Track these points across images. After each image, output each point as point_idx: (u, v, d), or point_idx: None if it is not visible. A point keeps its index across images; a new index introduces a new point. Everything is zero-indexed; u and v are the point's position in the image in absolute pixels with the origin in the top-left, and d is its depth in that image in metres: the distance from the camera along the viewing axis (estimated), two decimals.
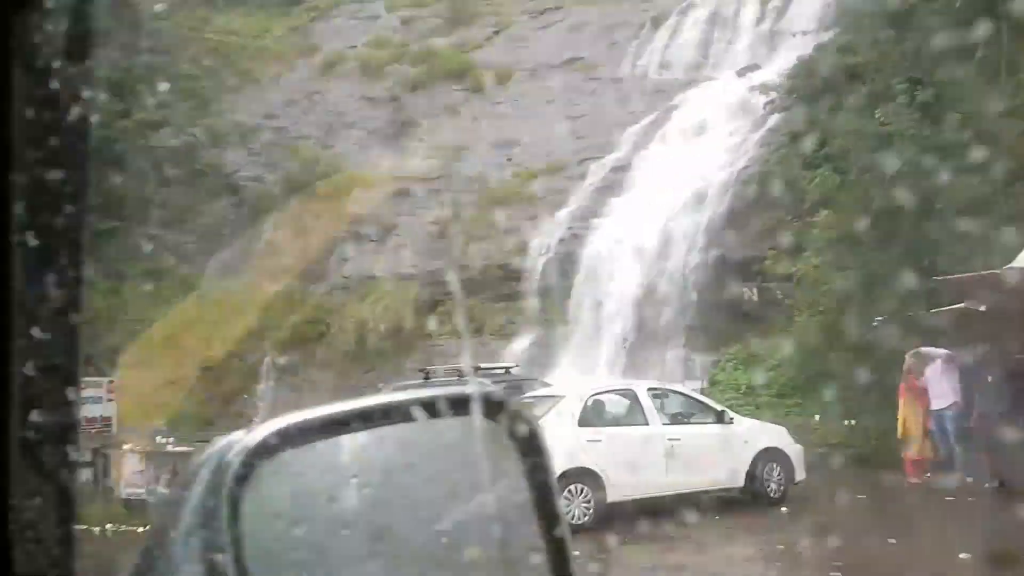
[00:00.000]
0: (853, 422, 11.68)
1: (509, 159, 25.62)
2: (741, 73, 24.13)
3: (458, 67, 30.52)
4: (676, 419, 10.85)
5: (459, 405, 1.57)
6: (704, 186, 19.16)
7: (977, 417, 10.79)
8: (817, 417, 11.56)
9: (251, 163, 28.98)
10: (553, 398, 11.02)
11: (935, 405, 11.33)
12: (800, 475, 11.07)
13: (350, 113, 30.21)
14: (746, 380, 13.45)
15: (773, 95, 19.36)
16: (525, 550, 1.54)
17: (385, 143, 28.84)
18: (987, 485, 10.24)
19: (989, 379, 10.58)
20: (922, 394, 11.42)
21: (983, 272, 9.80)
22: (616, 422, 10.82)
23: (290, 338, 23.87)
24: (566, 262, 20.89)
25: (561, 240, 21.27)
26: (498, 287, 22.25)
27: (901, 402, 11.37)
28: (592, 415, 10.66)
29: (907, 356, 11.14)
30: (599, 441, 10.29)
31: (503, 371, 14.19)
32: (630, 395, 10.98)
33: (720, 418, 10.96)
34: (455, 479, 1.59)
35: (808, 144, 15.99)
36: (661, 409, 10.74)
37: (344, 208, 26.51)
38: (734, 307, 18.08)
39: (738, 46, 26.38)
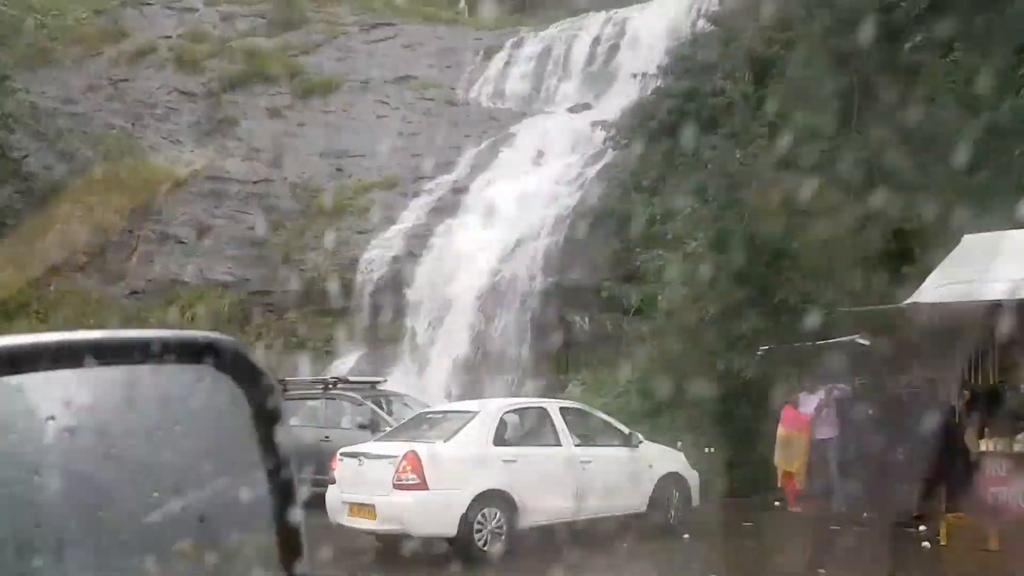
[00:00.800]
0: (712, 449, 12.01)
1: (339, 169, 24.73)
2: (574, 110, 24.80)
3: (284, 70, 29.25)
4: (586, 440, 10.48)
5: (187, 351, 1.45)
6: (543, 214, 19.34)
7: (856, 449, 11.36)
8: (680, 444, 11.75)
9: (44, 148, 26.15)
10: (462, 414, 10.42)
11: (819, 435, 11.83)
12: (696, 501, 11.01)
13: (161, 105, 28.11)
14: (597, 405, 13.51)
15: (613, 132, 20.00)
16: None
17: (200, 140, 27.06)
18: (865, 515, 10.71)
19: (870, 412, 11.19)
20: (804, 425, 11.89)
21: (872, 307, 10.41)
22: (529, 442, 10.23)
23: None
24: (399, 279, 20.33)
25: (395, 257, 20.69)
26: (324, 301, 21.25)
27: (780, 431, 11.79)
28: (506, 434, 10.04)
29: (822, 390, 11.45)
30: (514, 462, 9.73)
31: (369, 385, 13.44)
32: (542, 414, 10.53)
33: (628, 441, 10.69)
34: (175, 429, 1.46)
35: (650, 179, 16.60)
36: (572, 429, 10.45)
37: (151, 204, 24.52)
38: (569, 334, 18.30)
39: (569, 84, 27.09)
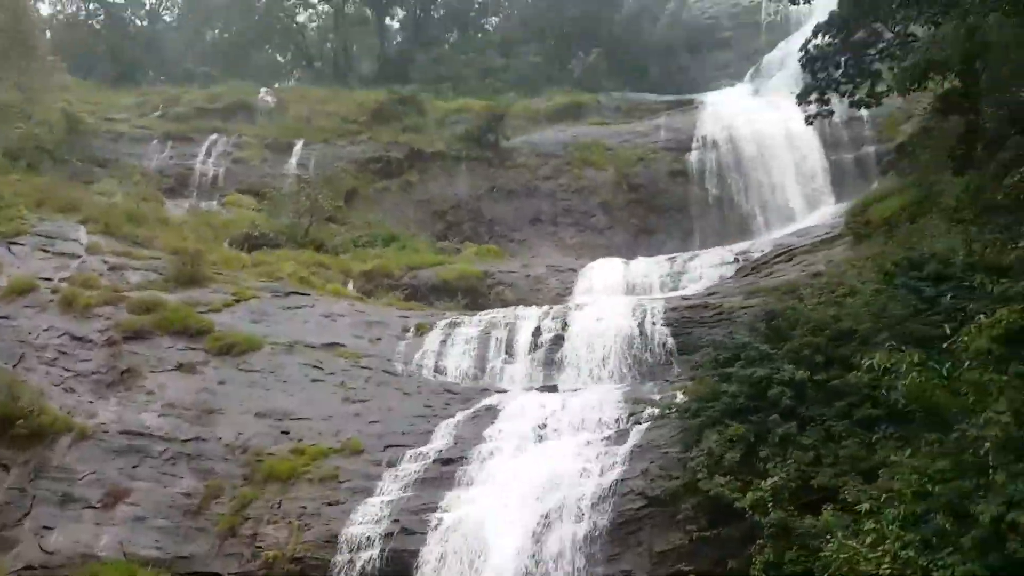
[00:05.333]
0: None
1: (284, 432, 21.53)
2: (542, 389, 23.83)
3: (194, 325, 26.38)
4: None
5: None
6: (573, 495, 17.30)
7: None
8: None
9: None
10: None
11: None
12: None
13: (51, 349, 24.02)
14: None
15: (642, 409, 19.03)
16: None
17: (98, 390, 23.04)
18: None
19: None
20: None
21: None
22: None
23: None
24: (396, 563, 17.07)
25: (388, 534, 17.47)
26: None
27: None
28: None
29: None
30: None
31: None
32: None
33: None
34: None
35: (732, 460, 15.38)
36: None
37: (48, 460, 19.92)
38: None
39: (515, 367, 26.33)
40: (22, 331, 24.28)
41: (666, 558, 15.80)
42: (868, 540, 11.84)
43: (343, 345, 26.85)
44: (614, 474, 17.41)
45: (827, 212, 40.52)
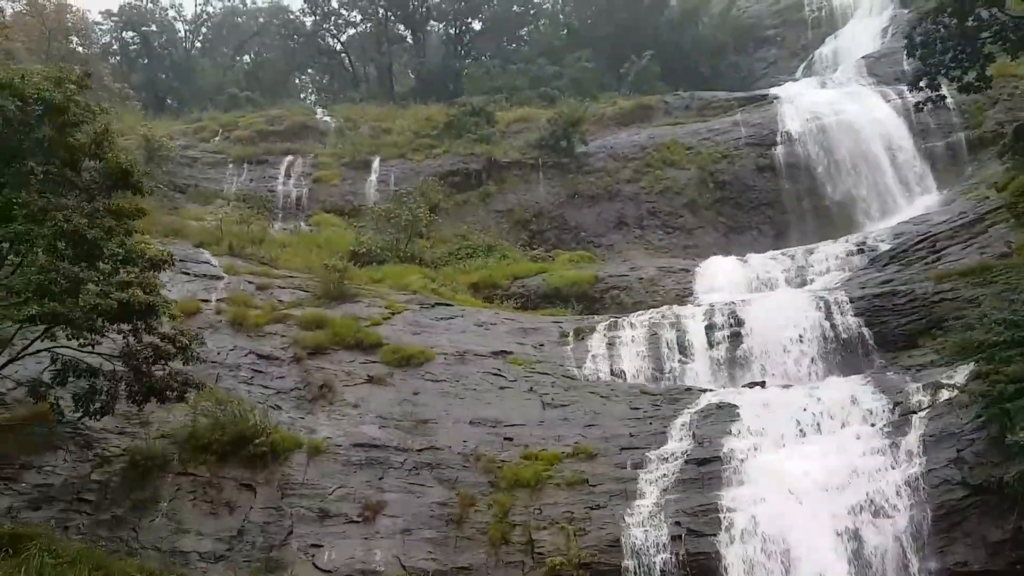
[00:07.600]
0: None
1: (508, 439, 21.04)
2: (750, 385, 23.44)
3: (365, 339, 25.97)
4: None
5: None
6: (875, 488, 16.71)
7: None
8: None
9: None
10: None
11: None
12: None
13: (244, 368, 23.48)
14: None
15: (907, 397, 18.49)
16: None
17: (301, 405, 22.52)
18: None
19: None
20: None
21: None
22: None
23: None
24: (694, 566, 16.47)
25: (675, 537, 16.99)
26: None
27: None
28: None
29: None
30: None
31: None
32: None
33: None
34: None
35: None
36: None
37: (290, 478, 19.36)
38: None
39: (695, 366, 25.93)
40: (208, 352, 23.64)
41: (1004, 547, 15.30)
42: None
43: (510, 352, 26.44)
44: (916, 465, 16.91)
45: (932, 199, 40.29)
